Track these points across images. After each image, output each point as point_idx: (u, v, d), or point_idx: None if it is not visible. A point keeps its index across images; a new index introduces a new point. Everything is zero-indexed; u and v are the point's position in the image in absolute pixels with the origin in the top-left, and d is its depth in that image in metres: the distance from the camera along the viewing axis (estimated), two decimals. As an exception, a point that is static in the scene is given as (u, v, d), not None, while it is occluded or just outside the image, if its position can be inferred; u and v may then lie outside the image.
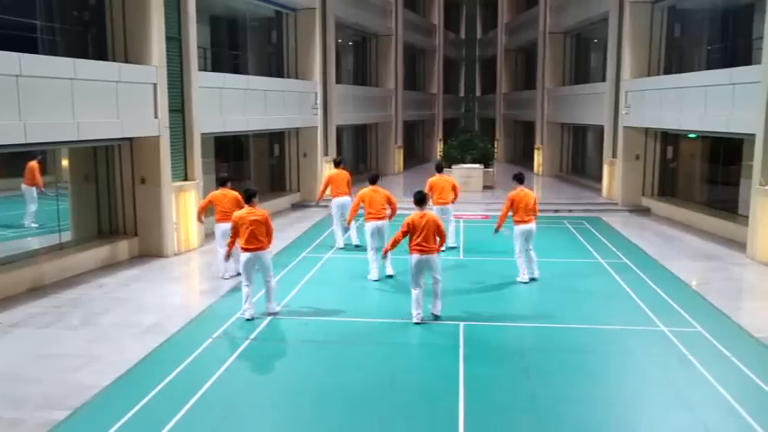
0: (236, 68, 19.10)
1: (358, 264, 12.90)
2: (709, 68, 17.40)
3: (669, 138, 19.47)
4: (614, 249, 13.87)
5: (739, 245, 13.93)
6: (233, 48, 19.55)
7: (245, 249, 9.32)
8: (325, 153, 21.51)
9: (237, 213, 9.49)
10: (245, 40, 20.04)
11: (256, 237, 9.28)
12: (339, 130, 23.52)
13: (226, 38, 19.29)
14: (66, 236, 12.85)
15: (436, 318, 9.32)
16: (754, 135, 13.15)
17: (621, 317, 9.58)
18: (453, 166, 23.03)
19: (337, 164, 14.87)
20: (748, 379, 7.35)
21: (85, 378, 7.40)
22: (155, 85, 12.89)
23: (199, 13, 14.39)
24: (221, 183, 11.62)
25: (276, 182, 21.01)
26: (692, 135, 18.07)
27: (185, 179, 14.10)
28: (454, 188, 13.50)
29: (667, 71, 19.15)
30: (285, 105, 18.85)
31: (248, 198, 9.54)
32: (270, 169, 21.01)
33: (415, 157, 34.41)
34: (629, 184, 19.68)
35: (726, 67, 15.85)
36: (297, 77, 20.52)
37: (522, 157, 33.78)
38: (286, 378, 7.56)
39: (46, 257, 11.70)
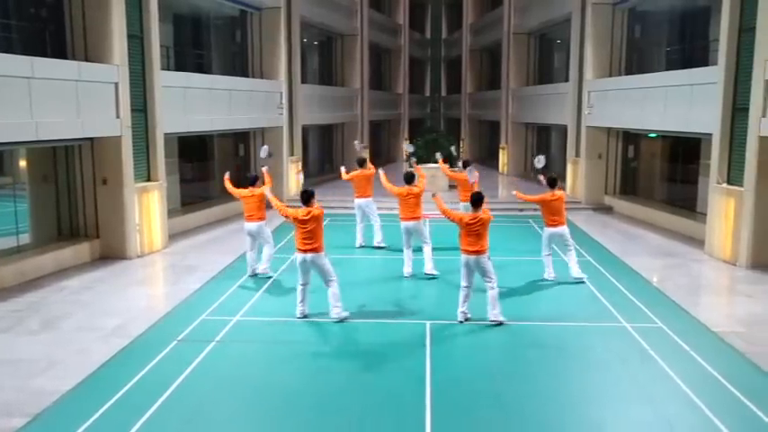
0: (201, 68, 18.88)
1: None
2: (668, 69, 17.78)
3: (630, 137, 19.84)
4: (577, 247, 14.04)
5: (698, 242, 14.26)
6: (197, 47, 19.32)
7: (299, 250, 9.23)
8: (291, 153, 21.39)
9: (294, 213, 9.27)
10: (209, 39, 19.82)
11: (312, 238, 9.18)
12: (305, 129, 23.41)
13: (189, 37, 19.04)
14: (25, 238, 12.55)
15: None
16: (711, 134, 13.49)
17: (585, 314, 9.73)
18: (419, 166, 23.04)
19: (361, 163, 14.76)
20: (707, 373, 7.54)
21: (46, 383, 7.24)
22: (116, 84, 12.67)
23: (161, 11, 14.18)
24: (251, 182, 11.63)
25: (242, 182, 20.76)
26: (652, 134, 18.44)
27: (148, 180, 13.89)
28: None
29: (628, 72, 19.52)
30: (250, 105, 18.70)
31: (307, 199, 9.38)
32: (234, 169, 20.76)
33: (381, 156, 34.43)
34: (592, 183, 20.00)
35: (684, 68, 16.22)
36: (262, 77, 20.36)
37: (487, 157, 34.04)
38: (253, 380, 7.50)
39: (3, 260, 11.42)
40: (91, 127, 12.19)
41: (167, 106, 14.37)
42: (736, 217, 12.62)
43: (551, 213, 11.13)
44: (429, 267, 11.72)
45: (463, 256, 9.13)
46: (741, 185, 12.54)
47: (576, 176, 20.91)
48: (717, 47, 13.35)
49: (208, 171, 19.76)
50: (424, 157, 23.94)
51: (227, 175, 12.10)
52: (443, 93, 45.09)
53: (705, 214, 13.94)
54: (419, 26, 43.24)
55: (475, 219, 9.01)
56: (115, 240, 13.14)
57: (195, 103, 15.94)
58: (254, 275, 11.68)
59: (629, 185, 20.05)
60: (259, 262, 11.74)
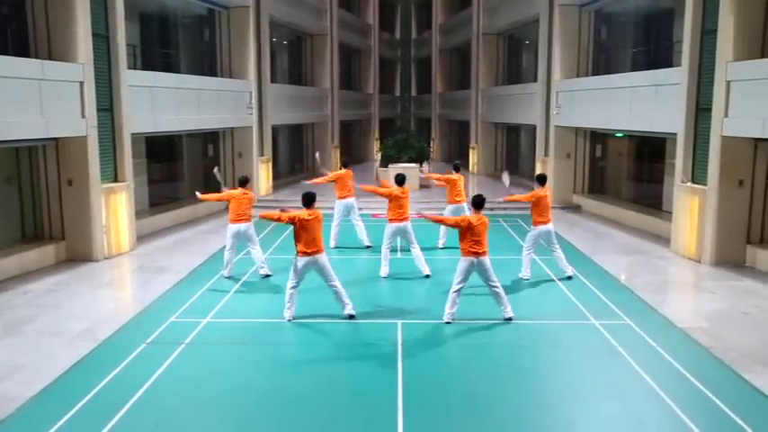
0: (168, 67, 18.64)
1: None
2: (634, 70, 18.08)
3: (598, 137, 20.13)
4: (547, 246, 14.18)
5: (664, 240, 14.52)
6: (164, 46, 19.07)
7: (305, 253, 9.13)
8: (261, 153, 21.26)
9: (300, 215, 9.15)
10: (176, 37, 19.59)
11: (315, 240, 9.12)
12: (275, 129, 23.28)
13: (157, 35, 18.79)
14: (-13, 241, 12.28)
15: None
16: (675, 134, 13.74)
17: (554, 311, 9.84)
18: (390, 165, 23.16)
19: (344, 165, 14.78)
20: (673, 368, 7.68)
21: (8, 389, 7.08)
22: (81, 83, 12.44)
23: (127, 9, 13.98)
24: (242, 183, 11.46)
25: (212, 183, 20.56)
26: (619, 134, 18.73)
27: (115, 180, 13.68)
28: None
29: (595, 72, 19.79)
30: (219, 105, 18.53)
31: (308, 202, 9.32)
32: (204, 170, 20.58)
33: (351, 156, 34.38)
34: (560, 182, 20.23)
35: (649, 68, 16.50)
36: (231, 77, 20.19)
37: (457, 157, 34.21)
38: (223, 382, 7.43)
39: (-35, 264, 11.14)
40: (55, 127, 11.95)
41: (134, 106, 14.17)
42: (700, 215, 12.88)
43: (542, 211, 11.20)
44: (426, 268, 11.69)
45: (467, 258, 9.11)
46: (705, 184, 12.81)
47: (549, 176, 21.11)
48: (680, 48, 13.62)
49: (176, 171, 19.54)
50: (394, 156, 24.02)
51: (199, 195, 11.80)
52: (413, 93, 45.20)
53: (671, 213, 14.20)
54: (389, 26, 43.29)
55: (479, 220, 9.07)
56: (81, 242, 12.91)
57: (163, 102, 15.74)
58: (230, 277, 11.58)
59: (597, 184, 20.35)
60: (229, 265, 11.65)
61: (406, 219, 11.66)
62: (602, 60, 20.36)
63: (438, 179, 14.11)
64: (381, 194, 11.93)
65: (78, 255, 12.91)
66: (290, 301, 9.43)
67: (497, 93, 27.28)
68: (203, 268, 12.41)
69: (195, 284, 11.23)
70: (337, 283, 9.42)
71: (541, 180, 11.51)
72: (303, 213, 9.16)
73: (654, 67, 16.44)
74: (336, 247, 14.07)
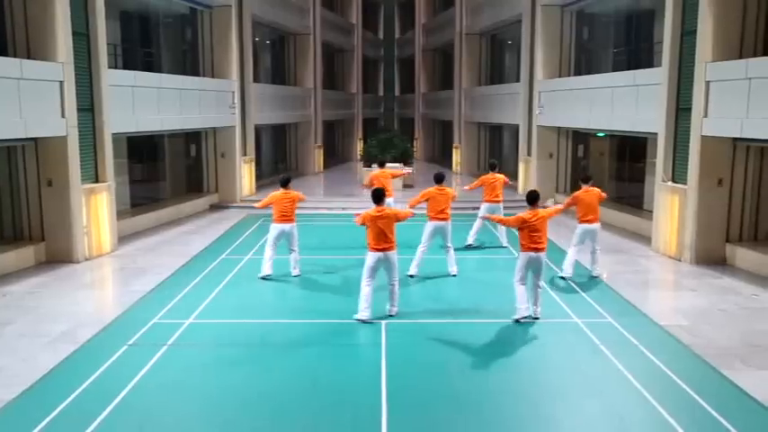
0: (150, 66, 18.50)
1: (279, 264, 12.77)
2: (615, 70, 18.23)
3: (580, 137, 20.27)
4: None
5: (645, 238, 14.66)
6: (146, 45, 18.93)
7: (375, 249, 9.09)
8: (244, 153, 21.16)
9: (369, 213, 9.16)
10: (158, 37, 19.44)
11: (386, 236, 9.07)
12: (258, 129, 23.19)
13: (138, 34, 18.64)
14: (-35, 242, 12.11)
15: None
16: (656, 134, 13.88)
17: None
18: (373, 165, 23.15)
19: (381, 164, 14.78)
20: (654, 365, 7.75)
21: (-12, 392, 6.99)
22: (61, 82, 12.30)
23: (107, 7, 13.84)
24: (283, 183, 11.41)
25: (193, 183, 20.50)
26: (600, 134, 18.87)
27: (96, 181, 13.54)
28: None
29: (577, 72, 19.94)
30: (201, 104, 18.42)
31: (378, 198, 9.24)
32: (186, 170, 20.48)
33: (335, 156, 34.38)
34: (543, 182, 20.34)
35: (630, 69, 16.65)
36: (213, 76, 20.07)
37: (440, 156, 34.32)
38: (206, 383, 7.38)
39: (-58, 266, 10.99)
40: (34, 127, 11.80)
41: (115, 105, 14.04)
42: (680, 214, 13.01)
43: (585, 210, 11.24)
44: (455, 268, 11.69)
45: (526, 254, 9.19)
46: (685, 183, 12.94)
47: (528, 175, 21.26)
48: (661, 49, 13.75)
49: (158, 172, 19.40)
50: (378, 156, 24.01)
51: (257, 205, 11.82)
52: (397, 92, 45.27)
53: (652, 212, 14.33)
54: (372, 26, 43.30)
55: (534, 215, 9.12)
56: (61, 243, 12.77)
57: (144, 102, 15.62)
58: (266, 277, 11.42)
59: (580, 184, 20.44)
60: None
61: (445, 218, 11.54)
62: (584, 61, 20.52)
63: (474, 186, 13.94)
64: (420, 200, 11.73)
65: (58, 256, 12.77)
66: (369, 301, 9.28)
67: (480, 93, 27.39)
68: (186, 269, 12.33)
69: (178, 285, 11.15)
70: (397, 283, 9.42)
71: (584, 179, 11.53)
72: (372, 211, 9.16)
73: (635, 67, 16.61)
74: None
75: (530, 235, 9.11)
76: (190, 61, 20.33)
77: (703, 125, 12.33)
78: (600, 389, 7.17)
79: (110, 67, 14.09)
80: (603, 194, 11.54)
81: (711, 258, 12.67)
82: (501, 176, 13.85)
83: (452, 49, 30.17)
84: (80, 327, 9.05)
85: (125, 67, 16.45)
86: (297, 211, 11.59)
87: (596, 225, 11.39)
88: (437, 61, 36.45)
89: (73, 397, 6.87)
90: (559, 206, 11.07)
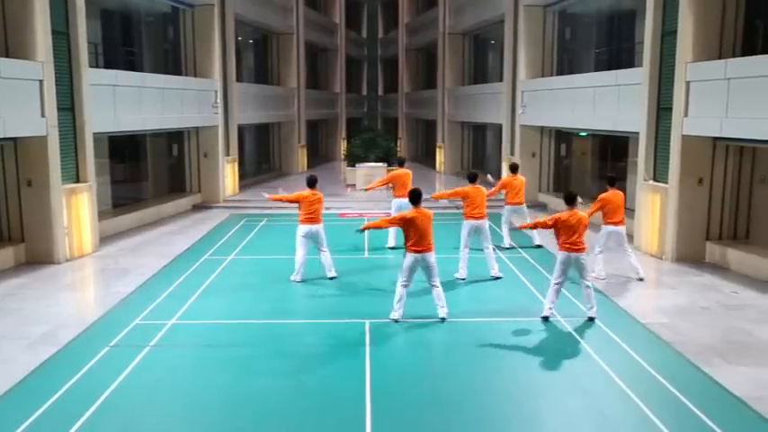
0: (131, 65, 18.35)
1: (261, 265, 12.75)
2: (597, 70, 18.37)
3: (563, 136, 20.39)
4: (513, 244, 14.35)
5: (627, 236, 14.73)
6: (127, 44, 18.77)
7: (414, 250, 9.04)
8: (227, 153, 21.06)
9: (409, 214, 9.09)
10: (139, 35, 19.29)
11: (425, 237, 9.02)
12: (241, 129, 23.09)
13: (119, 33, 18.48)
14: (-57, 243, 11.94)
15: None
16: (638, 133, 14.00)
17: (520, 308, 9.94)
18: (357, 165, 23.18)
19: (401, 163, 14.66)
20: (636, 362, 7.82)
21: (-33, 395, 6.89)
22: (41, 81, 12.16)
23: (88, 5, 13.70)
24: (310, 183, 11.31)
25: (176, 183, 20.36)
26: (583, 133, 19.00)
27: (77, 181, 13.41)
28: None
29: (560, 72, 20.06)
30: (183, 104, 18.30)
31: (416, 199, 9.17)
32: (169, 170, 20.34)
33: (318, 156, 34.33)
34: (526, 181, 20.38)
35: (612, 69, 16.78)
36: (196, 75, 19.95)
37: (424, 156, 34.39)
38: (190, 385, 7.34)
39: None
40: (13, 126, 11.66)
41: (96, 105, 13.91)
42: (661, 213, 13.14)
43: (610, 212, 11.25)
44: (495, 270, 11.61)
45: (564, 254, 9.22)
46: (666, 182, 13.07)
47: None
48: (642, 49, 13.88)
49: (140, 171, 19.25)
50: (361, 156, 24.02)
51: (267, 195, 11.66)
52: (380, 92, 45.29)
53: (633, 210, 14.45)
54: (355, 25, 43.29)
55: (572, 216, 9.16)
56: (42, 244, 12.63)
57: (126, 101, 15.49)
58: (303, 281, 11.31)
59: (562, 183, 20.61)
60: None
61: (482, 216, 11.48)
62: (567, 60, 20.65)
63: (497, 190, 13.95)
64: (454, 196, 11.72)
65: (39, 257, 12.63)
66: (399, 301, 9.26)
67: (463, 92, 27.46)
68: (168, 270, 12.25)
69: (160, 286, 11.07)
70: (438, 283, 9.33)
71: (610, 181, 11.51)
72: (409, 212, 9.12)
73: (616, 67, 16.73)
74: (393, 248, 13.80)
75: (566, 235, 9.19)
76: (172, 60, 20.19)
77: (684, 125, 12.46)
78: (582, 387, 7.21)
79: (90, 67, 13.96)
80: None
81: (692, 256, 12.80)
82: (522, 178, 14.07)
83: (436, 49, 30.24)
84: (61, 328, 8.96)
85: (106, 67, 16.29)
86: (280, 211, 11.55)
87: (623, 227, 11.40)
88: (420, 61, 36.51)
89: (54, 398, 6.80)
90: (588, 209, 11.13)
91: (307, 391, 7.12)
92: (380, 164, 23.22)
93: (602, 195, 11.42)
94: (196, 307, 10.01)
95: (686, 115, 12.43)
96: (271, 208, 19.54)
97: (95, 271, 12.44)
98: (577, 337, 8.69)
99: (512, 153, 21.33)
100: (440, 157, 29.32)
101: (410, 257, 9.11)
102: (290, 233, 15.85)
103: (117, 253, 13.68)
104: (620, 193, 11.44)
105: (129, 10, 18.68)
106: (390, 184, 14.05)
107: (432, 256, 9.18)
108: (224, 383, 7.32)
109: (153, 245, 14.55)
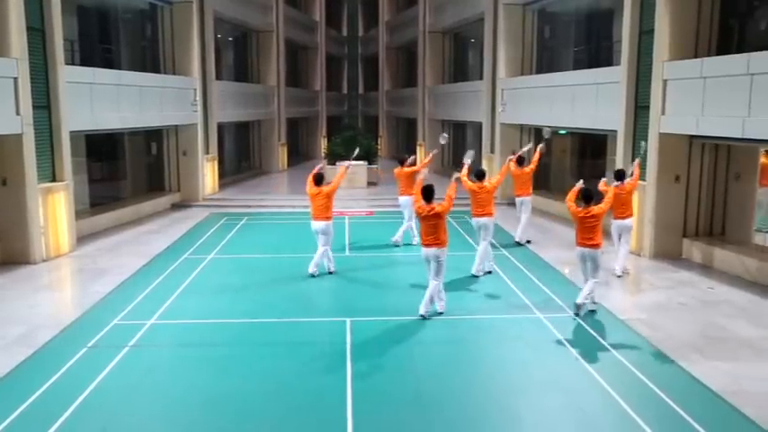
0: (109, 63, 18.14)
1: (241, 264, 12.69)
2: (575, 69, 18.50)
3: (542, 134, 20.46)
4: (493, 241, 14.38)
5: (606, 234, 14.84)
6: (104, 41, 18.54)
7: (423, 245, 9.26)
8: (206, 151, 20.90)
9: (418, 209, 9.25)
10: (117, 33, 19.06)
11: (435, 233, 9.13)
12: (220, 127, 22.93)
13: (96, 30, 18.26)
14: None
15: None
16: (616, 131, 14.14)
17: (501, 306, 10.00)
18: (338, 163, 23.10)
19: (401, 162, 14.72)
20: (615, 358, 7.90)
21: (-58, 398, 6.78)
22: (15, 79, 11.97)
23: (64, 2, 13.51)
24: (317, 181, 11.35)
25: (155, 181, 20.18)
26: (562, 131, 19.13)
27: (53, 180, 13.23)
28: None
29: (539, 70, 20.17)
30: (162, 102, 18.13)
31: (429, 196, 9.23)
32: (147, 168, 20.15)
33: (299, 154, 34.20)
34: (506, 179, 20.47)
35: (590, 67, 16.91)
36: (174, 73, 19.77)
37: (405, 154, 34.38)
38: (169, 385, 7.29)
39: None
40: (-12, 124, 11.49)
41: (73, 103, 13.73)
42: (639, 210, 13.26)
43: (618, 206, 11.38)
44: (489, 265, 11.76)
45: (578, 248, 9.50)
46: (643, 180, 13.20)
47: (491, 172, 21.38)
48: (620, 48, 14.00)
49: (118, 170, 19.05)
50: (342, 154, 23.94)
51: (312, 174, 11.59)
52: (361, 90, 45.22)
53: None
54: (335, 23, 43.17)
55: (588, 213, 9.33)
56: (18, 244, 12.45)
57: (103, 99, 15.31)
58: (312, 275, 11.45)
59: (542, 180, 20.71)
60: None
61: (485, 214, 11.53)
62: (546, 59, 20.77)
63: (512, 172, 14.14)
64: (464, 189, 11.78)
65: (15, 257, 12.44)
66: (431, 297, 9.38)
67: (444, 90, 27.52)
68: (147, 269, 12.14)
69: (139, 286, 10.97)
70: (438, 281, 9.37)
71: (619, 176, 11.55)
72: (423, 209, 9.23)
73: (595, 65, 16.87)
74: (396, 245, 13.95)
75: (581, 231, 9.42)
76: (150, 58, 19.99)
77: (661, 123, 12.60)
78: (562, 383, 7.27)
79: (67, 64, 13.78)
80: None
81: (669, 253, 12.96)
82: (528, 170, 14.22)
83: (416, 47, 30.26)
84: (38, 329, 8.84)
85: (83, 64, 16.08)
86: (261, 209, 11.51)
87: (630, 221, 11.54)
88: (401, 59, 36.50)
89: (31, 400, 6.71)
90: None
91: (287, 391, 7.09)
92: (361, 162, 23.15)
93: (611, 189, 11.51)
94: (175, 307, 9.94)
95: (663, 113, 12.57)
96: (249, 207, 19.47)
97: (73, 271, 12.29)
98: (557, 333, 8.76)
99: (492, 151, 21.42)
100: (421, 155, 29.33)
101: (422, 252, 9.34)
102: (270, 232, 15.88)
103: (95, 253, 13.53)
104: (628, 186, 11.51)
105: (106, 6, 18.46)
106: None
107: (443, 253, 9.28)
108: (204, 383, 7.28)
109: (131, 244, 14.41)
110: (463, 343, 8.55)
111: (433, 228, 9.17)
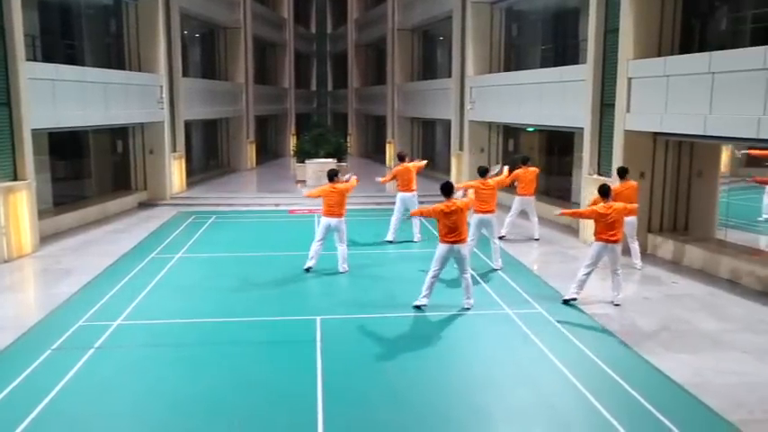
0: (72, 59, 17.76)
1: (210, 263, 12.57)
2: (543, 67, 18.69)
3: (510, 131, 20.69)
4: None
5: (573, 230, 15.11)
6: (67, 37, 18.16)
7: (446, 241, 9.29)
8: (173, 149, 20.63)
9: (439, 206, 9.32)
10: (80, 28, 18.68)
11: (458, 228, 9.20)
12: (188, 125, 22.66)
13: (58, 26, 17.87)
14: None
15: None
16: (582, 128, 14.32)
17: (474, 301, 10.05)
18: (307, 161, 23.03)
19: (402, 158, 14.58)
20: (582, 353, 8.02)
21: None
22: (-26, 75, 11.68)
23: (24, -3, 13.21)
24: (329, 177, 11.53)
25: (120, 180, 19.85)
26: (530, 129, 19.32)
27: (15, 179, 12.94)
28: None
29: (507, 68, 20.33)
30: (127, 99, 17.84)
31: (448, 191, 9.39)
32: (113, 167, 19.81)
33: (268, 152, 33.97)
34: (475, 176, 20.45)
35: (557, 65, 17.10)
36: (140, 70, 19.47)
37: (374, 152, 34.41)
38: (137, 386, 7.18)
39: None
40: (-54, 122, 11.17)
41: (34, 100, 13.43)
42: (605, 206, 13.44)
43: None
44: (499, 262, 11.94)
45: (599, 243, 9.66)
46: (610, 176, 13.38)
47: (460, 170, 21.55)
48: (586, 46, 14.18)
49: (83, 169, 18.69)
50: (311, 152, 23.86)
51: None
52: (330, 88, 45.06)
53: (578, 203, 14.78)
54: (304, 20, 42.94)
55: (609, 208, 9.52)
56: (-22, 245, 12.15)
57: (66, 96, 14.99)
58: (308, 269, 11.61)
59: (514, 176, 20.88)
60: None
61: (489, 211, 11.62)
62: (514, 57, 20.94)
63: (513, 176, 14.07)
64: (469, 188, 11.89)
65: (-25, 258, 12.15)
66: (428, 289, 9.54)
67: (413, 88, 27.57)
68: (113, 269, 11.94)
69: (105, 286, 10.79)
70: (469, 275, 9.59)
71: (621, 173, 11.70)
72: (441, 205, 9.31)
73: (561, 63, 17.06)
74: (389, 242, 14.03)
75: (604, 226, 9.57)
76: (114, 54, 19.63)
77: (626, 120, 12.80)
78: (531, 377, 7.35)
79: (28, 60, 13.47)
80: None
81: (635, 248, 13.16)
82: (533, 170, 14.39)
83: (385, 45, 30.27)
84: None
85: (45, 60, 15.73)
86: (229, 208, 11.42)
87: (633, 218, 11.59)
88: (370, 56, 36.47)
89: (-8, 405, 6.56)
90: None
91: (257, 390, 7.05)
92: (330, 159, 23.11)
93: (614, 188, 11.59)
94: (143, 307, 9.80)
95: (628, 111, 12.77)
96: (219, 206, 19.28)
97: (36, 272, 12.04)
98: (526, 328, 8.85)
99: (460, 148, 21.54)
100: (390, 152, 29.36)
101: (442, 248, 9.38)
102: (239, 230, 15.75)
103: (59, 253, 13.26)
104: (632, 183, 11.65)
105: (69, 1, 18.08)
106: (395, 180, 14.19)
107: (465, 248, 9.45)
108: (173, 384, 7.20)
109: (97, 244, 14.16)
110: (434, 338, 8.58)
111: (455, 223, 9.26)
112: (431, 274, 9.55)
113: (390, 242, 14.03)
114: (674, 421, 6.29)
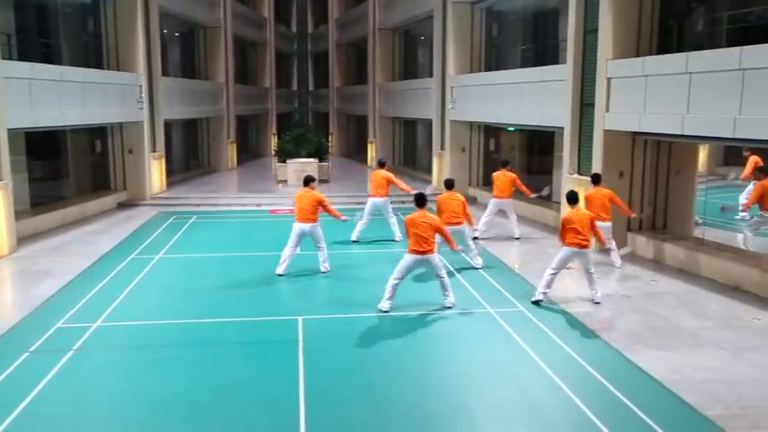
0: (49, 58, 17.54)
1: (190, 263, 12.50)
2: (523, 67, 18.79)
3: (491, 131, 20.78)
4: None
5: (554, 229, 15.18)
6: (43, 35, 17.92)
7: (414, 251, 9.27)
8: (153, 149, 20.45)
9: (410, 217, 9.34)
10: (57, 26, 18.44)
11: (426, 239, 9.23)
12: (168, 124, 22.47)
13: (34, 24, 17.62)
14: None
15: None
16: (563, 128, 14.42)
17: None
18: (288, 161, 22.96)
19: (381, 164, 14.78)
20: (563, 351, 8.07)
21: None
22: (-51, 74, 11.50)
23: (0, -5, 13.03)
24: (305, 182, 11.53)
25: (99, 180, 19.64)
26: (511, 128, 19.42)
27: (-9, 179, 12.76)
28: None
29: (488, 68, 20.42)
30: (106, 98, 17.65)
31: (421, 202, 9.52)
32: (92, 167, 19.59)
33: (249, 152, 33.82)
34: (456, 176, 20.50)
35: (537, 65, 17.20)
36: (119, 69, 19.26)
37: (356, 151, 34.38)
38: (116, 388, 7.11)
39: None
40: None
41: (10, 99, 13.25)
42: (586, 205, 13.53)
43: (600, 210, 11.52)
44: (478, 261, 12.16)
45: (568, 249, 9.80)
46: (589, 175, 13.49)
47: (442, 169, 21.61)
48: (566, 46, 14.28)
49: (61, 169, 18.46)
50: (292, 152, 23.78)
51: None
52: (311, 87, 44.94)
53: (559, 203, 14.87)
54: (285, 20, 42.78)
55: (578, 215, 9.82)
56: (-47, 246, 11.96)
57: (43, 96, 14.79)
58: (281, 275, 11.42)
59: (491, 177, 20.97)
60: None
61: (457, 223, 11.71)
62: (494, 57, 21.03)
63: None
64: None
65: (-50, 260, 11.96)
66: (390, 292, 9.50)
67: (394, 88, 27.58)
68: (92, 270, 11.82)
69: (84, 287, 10.67)
70: (445, 275, 9.64)
71: (594, 180, 11.92)
72: (414, 214, 9.37)
73: (541, 63, 17.16)
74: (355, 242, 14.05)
75: (572, 232, 9.73)
76: (93, 53, 19.41)
77: (605, 120, 12.90)
78: (513, 375, 7.39)
79: (3, 59, 13.28)
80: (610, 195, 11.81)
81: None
82: (511, 175, 14.49)
83: (366, 45, 30.24)
84: (-24, 334, 8.52)
85: (21, 59, 15.51)
86: (210, 208, 11.34)
87: (608, 224, 11.70)
88: (351, 56, 36.42)
89: (-32, 409, 6.46)
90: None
91: (238, 391, 7.01)
92: (312, 159, 23.05)
93: (586, 193, 11.89)
94: (122, 308, 9.71)
95: (608, 111, 12.87)
96: (199, 206, 19.15)
97: (13, 273, 11.87)
98: (507, 327, 8.89)
99: (442, 148, 21.59)
100: (371, 152, 29.36)
101: (409, 258, 9.37)
102: (219, 231, 15.65)
103: (36, 254, 13.10)
104: (604, 191, 11.79)
105: None
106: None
107: (434, 258, 9.44)
108: (153, 385, 7.14)
109: (76, 245, 14.00)
110: (416, 338, 8.60)
111: (428, 234, 9.29)
112: (393, 280, 9.48)
113: (355, 242, 14.06)
114: (652, 417, 6.36)
